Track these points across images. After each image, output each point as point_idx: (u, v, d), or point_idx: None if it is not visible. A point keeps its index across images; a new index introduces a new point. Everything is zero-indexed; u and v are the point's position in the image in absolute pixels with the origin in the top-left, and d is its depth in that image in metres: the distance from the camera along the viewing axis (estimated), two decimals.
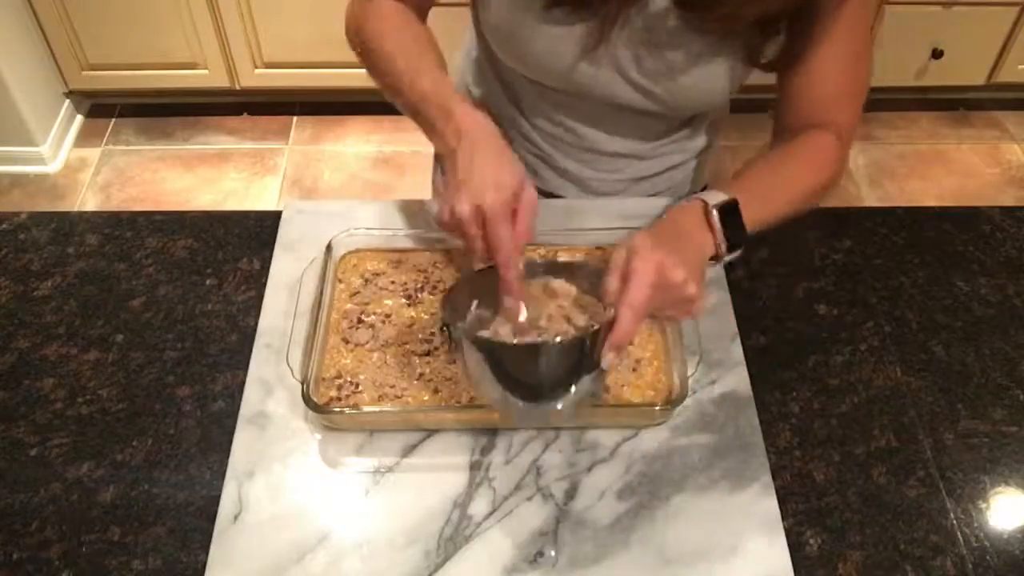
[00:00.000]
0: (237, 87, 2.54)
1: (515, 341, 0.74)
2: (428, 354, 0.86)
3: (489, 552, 0.75)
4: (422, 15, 0.95)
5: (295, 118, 2.69)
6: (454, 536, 0.76)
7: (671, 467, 0.81)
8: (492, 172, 0.75)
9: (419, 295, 0.91)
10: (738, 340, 0.90)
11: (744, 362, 0.88)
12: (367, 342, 0.87)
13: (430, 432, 0.83)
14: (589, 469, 0.81)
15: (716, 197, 0.79)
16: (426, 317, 0.89)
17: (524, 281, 0.76)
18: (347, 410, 0.82)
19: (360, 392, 0.83)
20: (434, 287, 0.92)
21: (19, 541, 0.77)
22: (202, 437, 0.84)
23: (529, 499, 0.79)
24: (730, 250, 0.79)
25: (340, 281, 0.92)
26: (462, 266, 0.92)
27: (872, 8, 0.87)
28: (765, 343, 0.93)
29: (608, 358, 0.69)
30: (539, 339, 0.74)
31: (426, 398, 0.83)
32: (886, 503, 0.81)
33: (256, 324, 0.91)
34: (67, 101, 2.57)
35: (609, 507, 0.78)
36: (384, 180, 2.52)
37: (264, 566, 0.74)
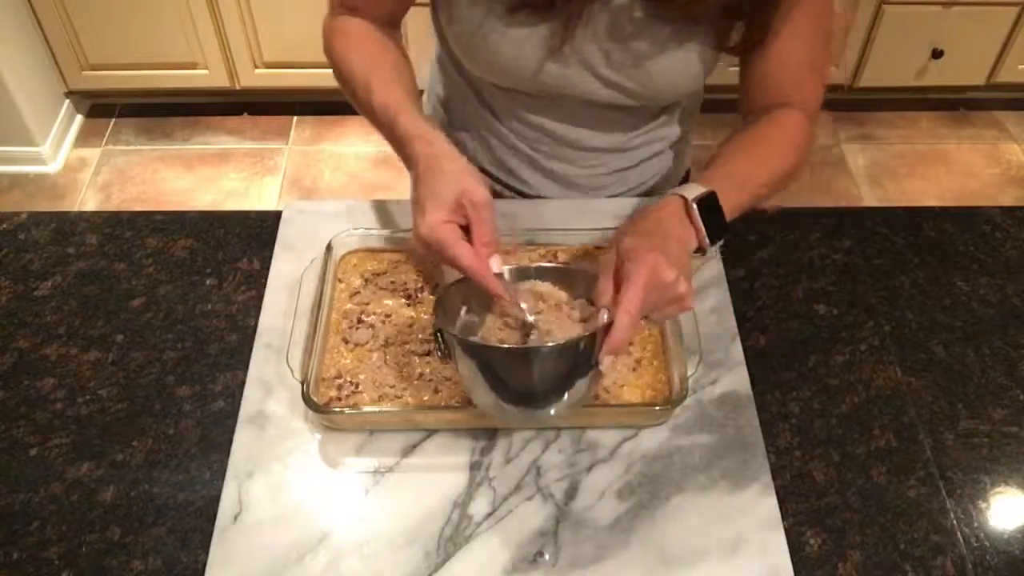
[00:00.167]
0: (237, 87, 2.54)
1: (507, 346, 0.73)
2: (428, 354, 0.86)
3: (489, 552, 0.75)
4: (393, 26, 0.95)
5: (295, 118, 2.69)
6: (454, 536, 0.76)
7: (671, 467, 0.81)
8: (430, 193, 0.75)
9: (419, 295, 0.91)
10: (738, 340, 0.90)
11: (744, 362, 0.88)
12: (367, 342, 0.87)
13: (430, 432, 0.83)
14: (589, 469, 0.81)
15: (694, 191, 0.79)
16: (426, 317, 0.89)
17: (511, 283, 0.75)
18: (347, 410, 0.82)
19: (360, 392, 0.83)
20: (434, 287, 0.92)
21: (19, 541, 0.77)
22: (202, 437, 0.84)
23: (529, 499, 0.79)
24: (712, 241, 0.79)
25: (340, 281, 0.92)
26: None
27: None
28: (765, 343, 0.93)
29: (606, 361, 0.69)
30: (531, 345, 0.73)
31: (426, 398, 0.83)
32: (886, 503, 0.81)
33: (256, 324, 0.91)
34: (67, 101, 2.57)
35: (609, 507, 0.78)
36: (384, 180, 2.52)
37: (264, 566, 0.74)
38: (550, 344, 0.70)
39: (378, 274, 0.93)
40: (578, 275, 0.77)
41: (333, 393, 0.83)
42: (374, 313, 0.89)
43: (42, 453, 0.83)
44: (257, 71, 2.50)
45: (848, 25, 2.45)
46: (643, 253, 0.70)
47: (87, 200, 2.43)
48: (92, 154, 2.56)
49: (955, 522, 0.80)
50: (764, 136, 0.89)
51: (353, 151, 2.60)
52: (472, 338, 0.74)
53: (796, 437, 0.86)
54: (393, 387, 0.83)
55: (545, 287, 0.76)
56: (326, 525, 0.77)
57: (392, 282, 0.92)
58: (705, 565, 0.75)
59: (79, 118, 2.64)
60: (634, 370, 0.85)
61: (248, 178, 2.51)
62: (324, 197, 2.46)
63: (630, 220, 0.81)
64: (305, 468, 0.80)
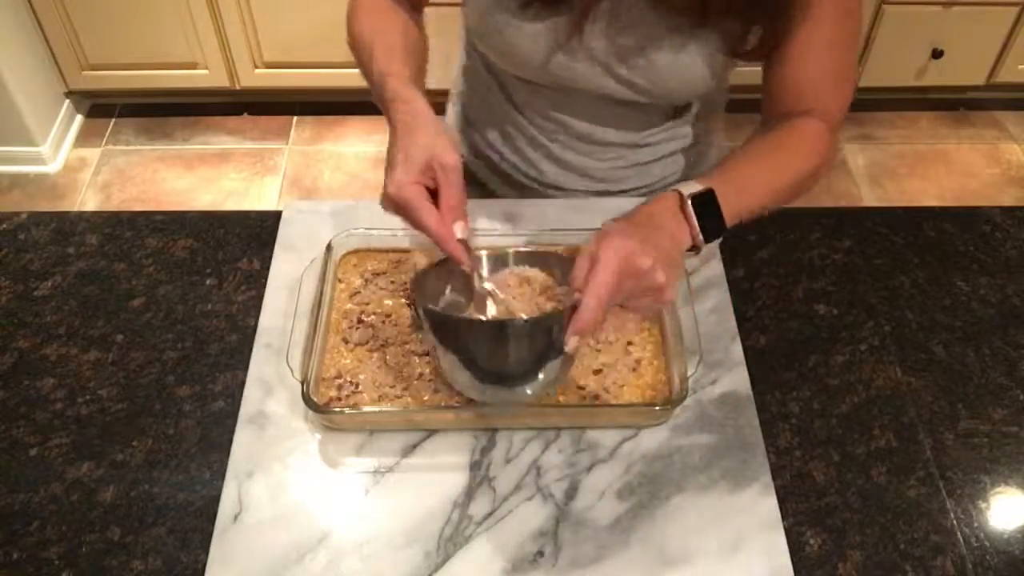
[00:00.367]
0: (237, 87, 2.54)
1: (480, 318, 0.74)
2: (428, 354, 0.85)
3: (489, 552, 0.75)
4: (416, 8, 0.95)
5: (295, 118, 2.69)
6: (454, 536, 0.76)
7: (671, 467, 0.81)
8: (401, 155, 0.76)
9: None
10: (738, 340, 0.90)
11: (744, 362, 0.88)
12: (367, 342, 0.87)
13: (430, 432, 0.83)
14: (589, 469, 0.81)
15: (691, 187, 0.79)
16: None
17: (474, 251, 0.76)
18: (347, 410, 0.82)
19: (360, 392, 0.83)
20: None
21: (19, 541, 0.77)
22: (202, 437, 0.84)
23: (529, 499, 0.79)
24: (708, 239, 0.79)
25: (340, 281, 0.92)
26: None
27: None
28: (765, 343, 0.93)
29: (571, 343, 0.69)
30: (502, 318, 0.73)
31: (426, 398, 0.83)
32: (886, 503, 0.81)
33: (256, 324, 0.91)
34: (67, 101, 2.57)
35: (609, 507, 0.78)
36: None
37: (264, 566, 0.74)
38: (519, 319, 0.70)
39: (378, 274, 0.93)
40: (560, 261, 0.77)
41: (333, 393, 0.83)
42: (374, 313, 0.89)
43: (42, 453, 0.83)
44: (257, 71, 2.50)
45: None
46: (620, 238, 0.70)
47: (87, 200, 2.43)
48: (92, 154, 2.56)
49: (955, 522, 0.80)
50: (777, 143, 0.88)
51: (353, 151, 2.60)
52: (436, 308, 0.75)
53: (796, 437, 0.86)
54: (393, 387, 0.83)
55: (532, 272, 0.77)
56: (326, 525, 0.77)
57: (392, 282, 0.92)
58: (705, 565, 0.75)
59: (79, 118, 2.64)
60: (634, 370, 0.85)
61: (248, 178, 2.51)
62: (324, 197, 2.46)
63: (625, 213, 0.81)
64: (305, 468, 0.80)
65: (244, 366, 0.87)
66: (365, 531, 0.76)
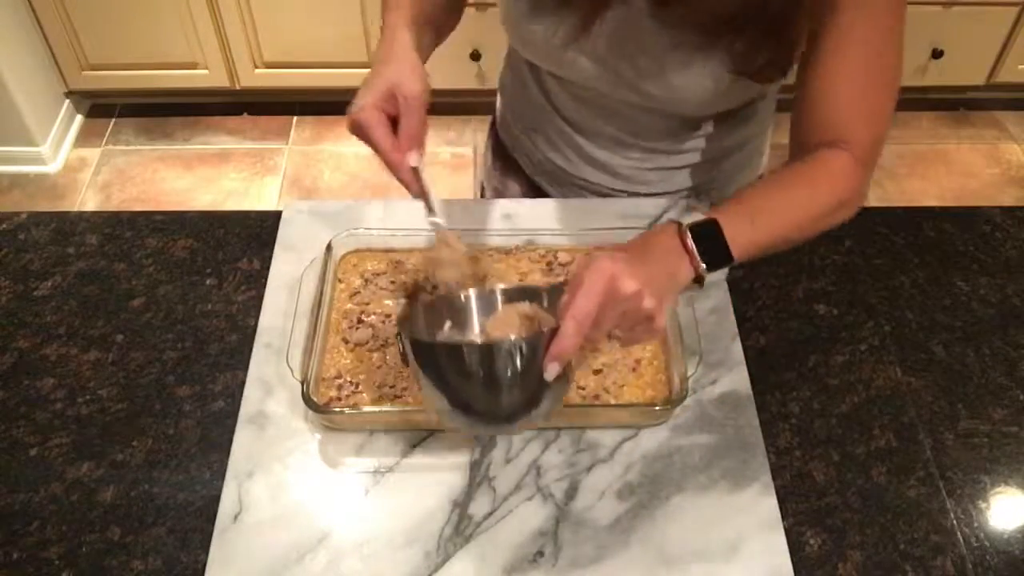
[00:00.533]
0: (237, 87, 2.54)
1: (459, 342, 0.71)
2: None
3: (489, 552, 0.75)
4: None
5: (295, 118, 2.69)
6: (454, 536, 0.76)
7: (671, 467, 0.81)
8: (371, 80, 0.77)
9: (419, 295, 0.91)
10: (738, 340, 0.90)
11: (744, 362, 0.88)
12: (367, 342, 0.87)
13: (430, 432, 0.83)
14: (589, 469, 0.81)
15: (693, 218, 0.77)
16: None
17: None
18: (347, 410, 0.82)
19: (360, 392, 0.83)
20: (434, 287, 0.92)
21: (19, 541, 0.77)
22: (202, 437, 0.84)
23: (529, 499, 0.79)
24: (710, 269, 0.76)
25: (340, 281, 0.92)
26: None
27: (897, 17, 0.80)
28: (765, 343, 0.94)
29: (550, 368, 0.66)
30: (478, 341, 0.71)
31: None
32: (886, 503, 0.81)
33: (256, 324, 0.91)
34: (67, 101, 2.57)
35: (609, 507, 0.78)
36: (384, 180, 2.50)
37: (264, 566, 0.74)
38: (492, 342, 0.68)
39: (378, 274, 0.93)
40: (548, 292, 0.75)
41: (333, 393, 0.83)
42: (374, 313, 0.89)
43: (42, 453, 0.83)
44: (257, 71, 2.50)
45: None
46: (606, 261, 0.68)
47: (87, 200, 2.43)
48: (92, 154, 2.56)
49: (955, 522, 0.80)
50: (800, 174, 0.83)
51: (353, 151, 2.60)
52: (415, 335, 0.72)
53: (796, 437, 0.86)
54: (393, 387, 0.83)
55: (533, 308, 0.75)
56: (326, 525, 0.77)
57: (392, 282, 0.92)
58: (705, 565, 0.75)
59: (79, 118, 2.64)
60: (634, 370, 0.85)
61: (248, 178, 2.51)
62: (324, 197, 2.45)
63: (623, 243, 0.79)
64: (305, 468, 0.80)
65: (244, 366, 0.87)
66: (365, 531, 0.76)
